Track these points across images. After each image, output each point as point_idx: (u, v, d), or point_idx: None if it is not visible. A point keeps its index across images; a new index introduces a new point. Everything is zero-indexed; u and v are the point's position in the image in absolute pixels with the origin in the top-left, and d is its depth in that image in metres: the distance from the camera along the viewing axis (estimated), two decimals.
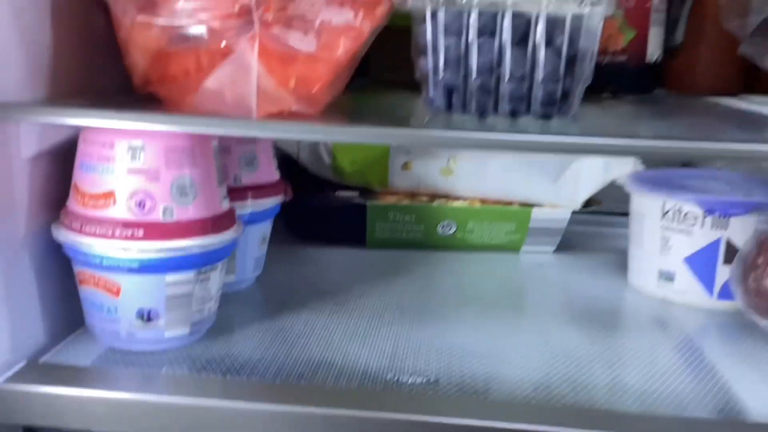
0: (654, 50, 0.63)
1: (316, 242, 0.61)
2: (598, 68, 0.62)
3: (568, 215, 0.60)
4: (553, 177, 0.60)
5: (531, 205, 0.60)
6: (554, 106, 0.39)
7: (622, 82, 0.62)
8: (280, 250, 0.57)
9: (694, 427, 0.35)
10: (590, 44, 0.39)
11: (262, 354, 0.41)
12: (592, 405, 0.37)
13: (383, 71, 0.59)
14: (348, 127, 0.36)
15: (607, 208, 0.63)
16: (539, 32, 0.38)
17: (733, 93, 0.61)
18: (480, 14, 0.38)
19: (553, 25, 0.38)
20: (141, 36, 0.38)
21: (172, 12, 0.37)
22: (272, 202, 0.50)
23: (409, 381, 0.38)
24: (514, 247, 0.61)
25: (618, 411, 0.36)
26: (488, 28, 0.38)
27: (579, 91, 0.40)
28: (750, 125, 0.45)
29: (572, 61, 0.38)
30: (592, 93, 0.61)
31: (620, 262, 0.57)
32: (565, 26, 0.38)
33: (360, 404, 0.35)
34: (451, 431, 0.33)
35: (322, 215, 0.60)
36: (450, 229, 0.60)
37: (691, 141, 0.35)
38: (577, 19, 0.38)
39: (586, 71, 0.40)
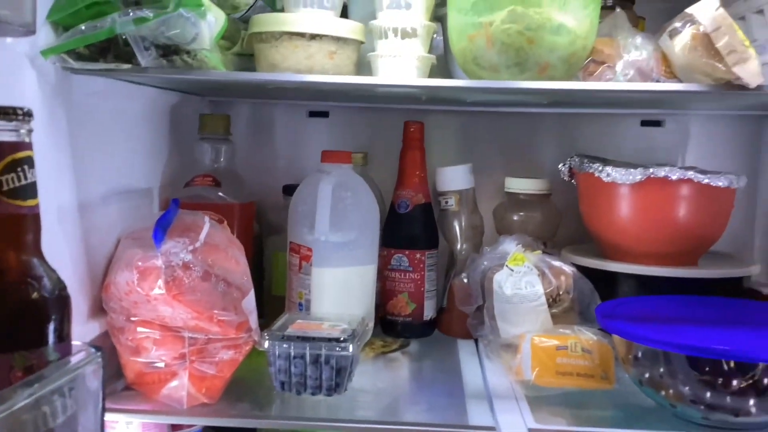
0: (428, 312, 1.07)
1: None
2: (398, 325, 1.06)
3: None
4: None
5: None
6: (332, 390, 0.81)
7: (411, 332, 1.06)
8: None
9: None
10: (349, 362, 0.82)
11: None
12: None
13: None
14: (226, 418, 0.79)
15: None
16: (322, 359, 0.80)
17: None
18: (294, 350, 0.80)
19: (329, 356, 0.80)
20: (132, 365, 0.80)
21: (148, 355, 0.78)
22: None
23: None
24: None
25: None
26: (299, 356, 0.81)
27: (346, 380, 0.82)
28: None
29: (339, 370, 0.81)
30: (397, 338, 1.05)
31: None
32: (334, 358, 0.80)
33: None
34: None
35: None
36: None
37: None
38: (343, 357, 0.80)
39: (348, 373, 0.82)
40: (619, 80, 0.78)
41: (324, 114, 1.17)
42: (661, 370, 0.74)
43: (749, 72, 0.69)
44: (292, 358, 0.81)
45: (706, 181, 0.89)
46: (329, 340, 0.81)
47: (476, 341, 1.03)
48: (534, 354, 0.84)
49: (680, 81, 0.78)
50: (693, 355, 0.70)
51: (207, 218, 0.84)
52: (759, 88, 0.70)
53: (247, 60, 0.86)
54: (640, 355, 0.76)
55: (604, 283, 0.93)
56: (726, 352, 0.69)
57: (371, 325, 0.97)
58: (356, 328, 0.85)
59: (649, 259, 0.94)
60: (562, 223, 1.09)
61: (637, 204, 0.93)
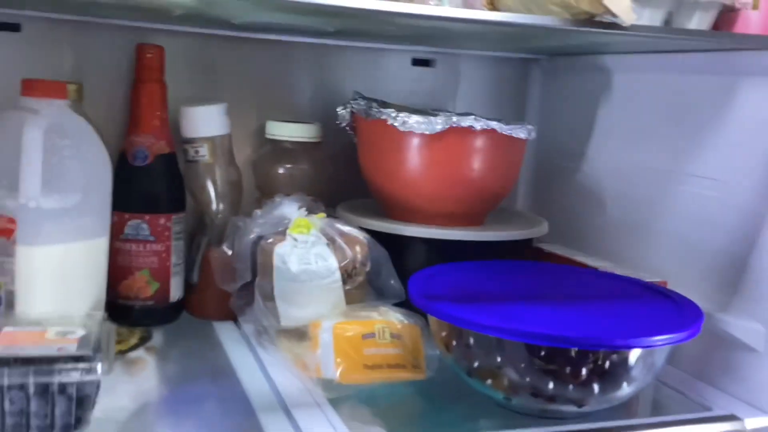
0: (176, 292, 0.84)
1: None
2: (133, 311, 0.83)
3: None
4: None
5: None
6: (71, 429, 0.56)
7: (152, 319, 0.82)
8: None
9: None
10: (95, 388, 0.57)
11: None
12: None
13: None
14: None
15: None
16: (55, 388, 0.55)
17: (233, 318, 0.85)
18: (8, 379, 0.54)
19: (64, 384, 0.55)
20: None
21: None
22: None
23: None
24: None
25: None
26: (17, 387, 0.54)
27: (89, 412, 0.58)
28: None
29: (82, 400, 0.57)
30: (132, 327, 0.79)
31: None
32: (74, 385, 0.56)
33: None
34: None
35: None
36: None
37: None
38: (87, 383, 0.56)
39: (93, 402, 0.58)
40: (444, 5, 0.63)
41: (14, 27, 0.84)
42: (498, 359, 0.63)
43: (622, 7, 0.57)
44: (5, 390, 0.54)
45: (508, 132, 0.80)
46: (65, 359, 0.56)
47: (236, 322, 0.83)
48: (337, 346, 0.68)
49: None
50: (543, 344, 0.60)
51: None
52: (631, 27, 0.58)
53: None
54: (472, 342, 0.64)
55: (389, 247, 0.79)
56: (580, 340, 0.60)
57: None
58: (97, 332, 0.61)
59: (441, 220, 0.83)
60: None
61: (437, 157, 0.80)
